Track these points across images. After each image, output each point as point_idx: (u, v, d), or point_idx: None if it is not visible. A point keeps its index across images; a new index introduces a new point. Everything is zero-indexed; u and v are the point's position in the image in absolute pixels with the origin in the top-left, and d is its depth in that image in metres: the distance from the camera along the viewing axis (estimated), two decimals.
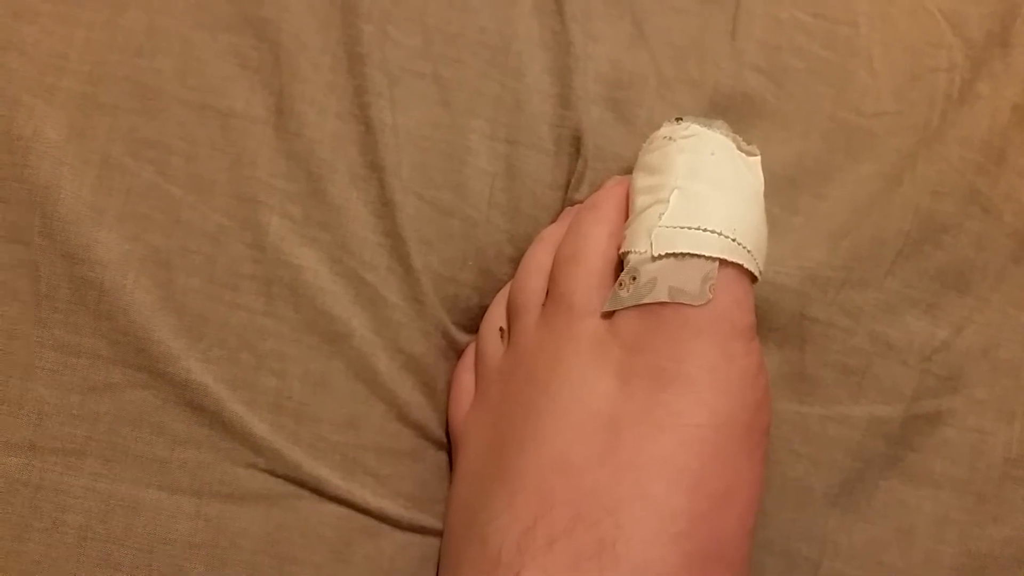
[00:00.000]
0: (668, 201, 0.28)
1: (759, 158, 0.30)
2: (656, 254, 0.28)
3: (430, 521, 0.32)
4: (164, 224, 0.30)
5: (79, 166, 0.30)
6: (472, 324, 0.34)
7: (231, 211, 0.31)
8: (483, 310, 0.34)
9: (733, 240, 0.28)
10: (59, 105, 0.30)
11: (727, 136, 0.30)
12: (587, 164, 0.33)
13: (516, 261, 0.33)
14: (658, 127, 0.31)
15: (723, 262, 0.27)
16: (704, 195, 0.28)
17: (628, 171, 0.32)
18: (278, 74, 0.32)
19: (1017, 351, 0.34)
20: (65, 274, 0.29)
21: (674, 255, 0.27)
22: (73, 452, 0.28)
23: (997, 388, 0.34)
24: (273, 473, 0.30)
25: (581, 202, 0.33)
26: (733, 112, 0.35)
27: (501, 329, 0.32)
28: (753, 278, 0.28)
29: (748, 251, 0.28)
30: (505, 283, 0.34)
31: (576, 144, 0.33)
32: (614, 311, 0.29)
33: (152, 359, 0.29)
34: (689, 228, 0.28)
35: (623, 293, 0.28)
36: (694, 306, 0.27)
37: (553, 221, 0.34)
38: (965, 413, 0.34)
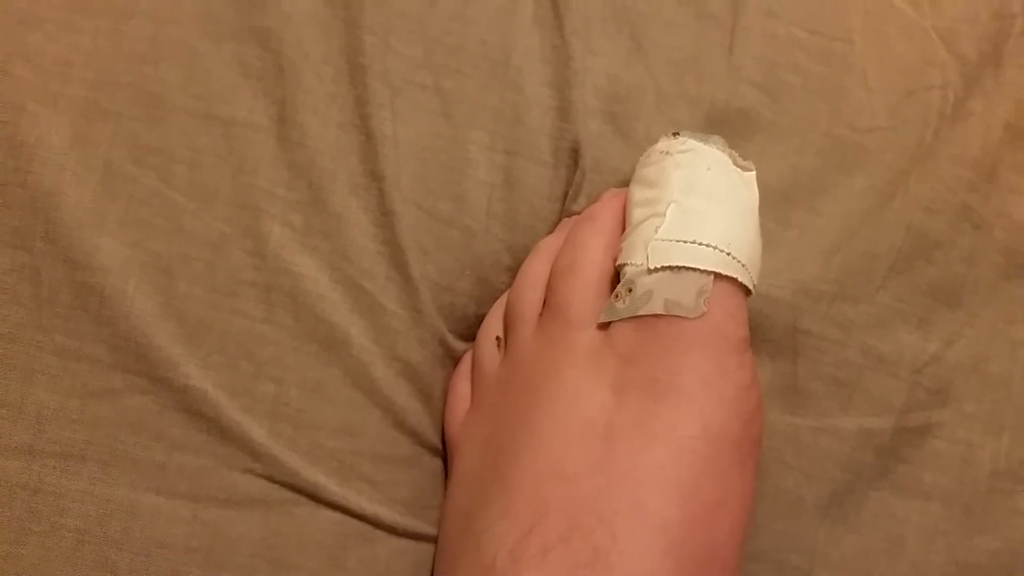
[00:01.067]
0: (664, 215, 0.29)
1: (754, 173, 0.30)
2: (652, 267, 0.28)
3: (425, 528, 0.32)
4: (166, 231, 0.30)
5: (82, 172, 0.30)
6: (469, 333, 0.34)
7: (232, 219, 0.31)
8: (480, 319, 0.34)
9: (728, 254, 0.28)
10: (63, 112, 0.30)
11: (723, 151, 0.30)
12: (585, 176, 0.34)
13: (514, 271, 0.34)
14: (655, 141, 0.32)
15: (718, 275, 0.28)
16: (700, 209, 0.29)
17: (625, 184, 0.33)
18: (281, 84, 0.32)
19: (1006, 365, 0.35)
20: (66, 279, 0.29)
21: (670, 268, 0.28)
22: (72, 456, 0.29)
23: (986, 402, 0.34)
24: (270, 479, 0.30)
25: (579, 214, 0.34)
26: (729, 127, 0.35)
27: (498, 338, 0.33)
28: (747, 291, 0.29)
29: (743, 265, 0.28)
30: (502, 293, 0.34)
31: (574, 156, 0.34)
32: (610, 322, 0.29)
33: (152, 365, 0.29)
34: (685, 242, 0.28)
35: (619, 305, 0.29)
36: (689, 319, 0.27)
37: (551, 232, 0.34)
38: (954, 426, 0.34)
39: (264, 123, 0.32)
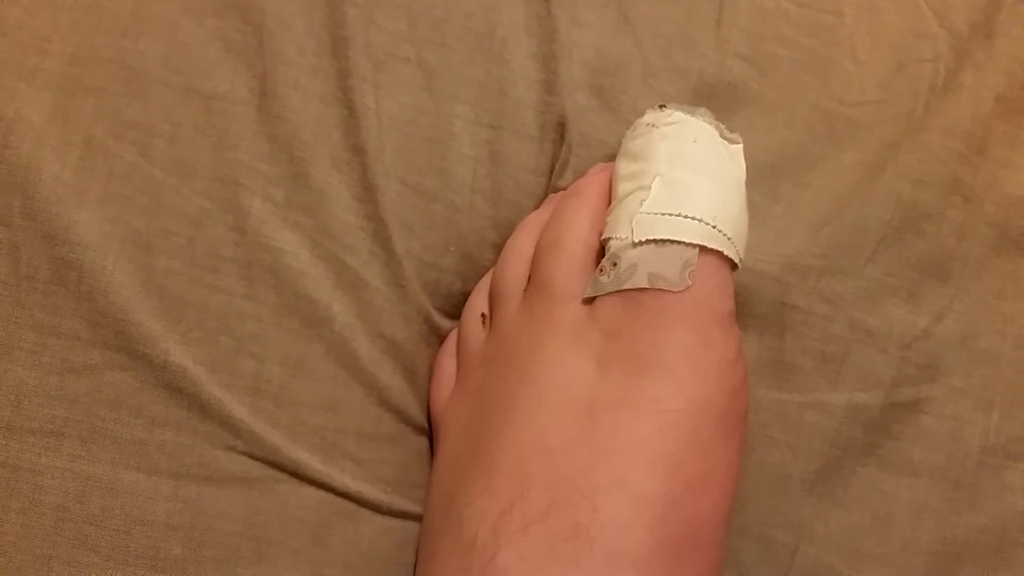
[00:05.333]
0: (650, 188, 0.28)
1: (741, 146, 0.30)
2: (637, 240, 0.28)
3: (410, 506, 0.32)
4: (145, 206, 0.30)
5: (61, 147, 0.30)
6: (454, 310, 0.34)
7: (213, 193, 0.31)
8: (465, 296, 0.34)
9: (714, 227, 0.28)
10: (42, 87, 0.30)
11: (710, 124, 0.30)
12: (571, 151, 0.33)
13: (499, 247, 0.33)
14: (642, 114, 0.31)
15: (703, 249, 0.27)
16: (686, 182, 0.28)
17: (612, 158, 0.32)
18: (262, 57, 0.32)
19: (996, 340, 0.35)
20: (45, 255, 0.29)
21: (654, 241, 0.27)
22: (51, 433, 0.28)
23: (975, 377, 0.34)
24: (252, 456, 0.30)
25: (565, 189, 0.33)
26: (717, 100, 0.35)
27: (483, 315, 0.32)
28: (733, 265, 0.28)
29: (728, 238, 0.28)
30: (488, 269, 0.34)
31: (560, 131, 0.33)
32: (595, 297, 0.29)
33: (131, 341, 0.29)
34: (670, 215, 0.28)
35: (604, 279, 0.28)
36: (673, 292, 0.27)
37: (536, 207, 0.34)
38: (943, 401, 0.34)
39: (245, 97, 0.31)
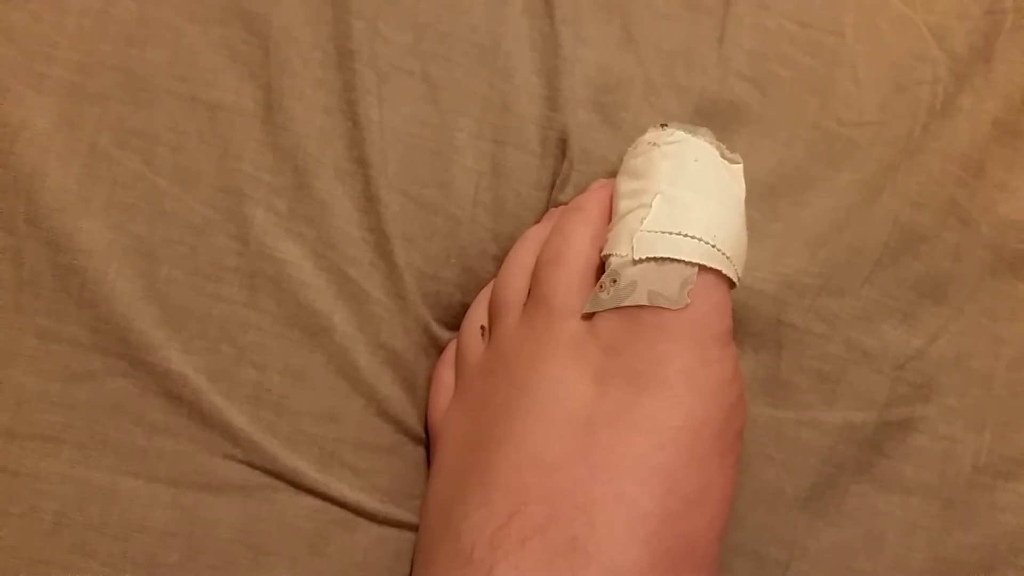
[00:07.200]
0: (651, 206, 0.29)
1: (742, 166, 0.30)
2: (637, 258, 0.28)
3: (406, 516, 0.32)
4: (149, 214, 0.30)
5: (66, 154, 0.30)
6: (454, 321, 0.34)
7: (216, 203, 0.31)
8: (465, 308, 0.34)
9: (713, 246, 0.28)
10: (48, 93, 0.30)
11: (711, 143, 0.30)
12: (572, 166, 0.33)
13: (499, 260, 0.34)
14: (644, 132, 0.32)
15: (702, 267, 0.28)
16: (686, 201, 0.29)
17: (613, 174, 0.32)
18: (267, 68, 0.32)
19: (989, 361, 0.35)
20: (48, 261, 0.29)
21: (654, 259, 0.28)
22: (51, 439, 0.28)
23: (968, 397, 0.35)
24: (250, 465, 0.30)
25: (566, 204, 0.33)
26: (718, 119, 0.35)
27: (482, 327, 0.33)
28: (731, 284, 0.29)
29: (727, 257, 0.28)
30: (488, 282, 0.34)
31: (562, 146, 0.34)
32: (594, 313, 0.29)
33: (133, 348, 0.29)
34: (670, 233, 0.28)
35: (603, 295, 0.28)
36: (672, 310, 0.27)
37: (537, 222, 0.34)
38: (936, 421, 0.34)
39: (250, 107, 0.31)
